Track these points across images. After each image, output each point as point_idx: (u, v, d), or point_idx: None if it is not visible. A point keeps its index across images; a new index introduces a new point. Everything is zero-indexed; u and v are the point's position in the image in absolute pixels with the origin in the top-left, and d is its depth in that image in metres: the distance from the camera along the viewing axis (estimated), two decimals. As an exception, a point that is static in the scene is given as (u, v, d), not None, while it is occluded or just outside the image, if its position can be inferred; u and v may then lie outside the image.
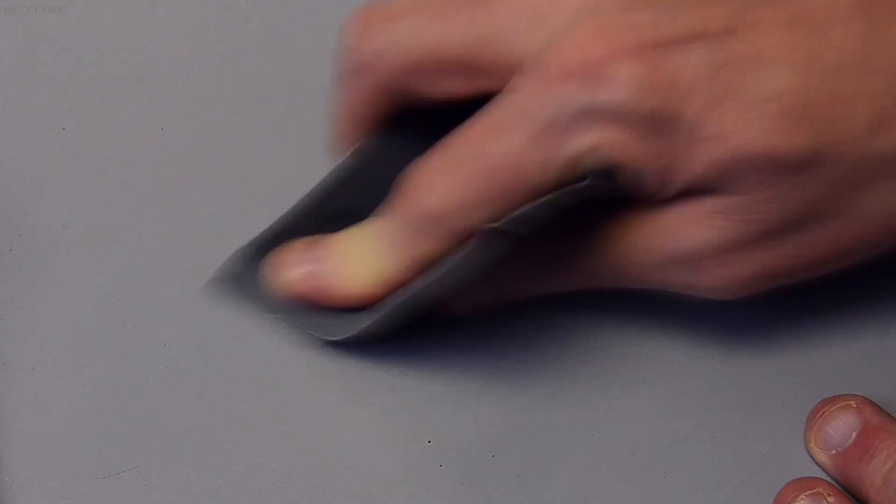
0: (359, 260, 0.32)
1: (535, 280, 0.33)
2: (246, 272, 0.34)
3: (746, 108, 0.28)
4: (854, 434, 0.32)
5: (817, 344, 0.34)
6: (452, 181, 0.30)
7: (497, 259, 0.30)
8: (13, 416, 0.33)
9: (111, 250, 0.36)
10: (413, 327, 0.33)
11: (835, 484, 0.32)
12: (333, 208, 0.34)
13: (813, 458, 0.33)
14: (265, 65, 0.40)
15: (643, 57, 0.28)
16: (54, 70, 0.40)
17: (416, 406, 0.34)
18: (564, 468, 0.33)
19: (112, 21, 0.41)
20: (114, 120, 0.39)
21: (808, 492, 0.31)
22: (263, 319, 0.34)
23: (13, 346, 0.34)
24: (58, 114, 0.39)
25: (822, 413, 0.32)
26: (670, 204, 0.30)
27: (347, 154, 0.34)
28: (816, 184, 0.29)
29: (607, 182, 0.29)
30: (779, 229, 0.30)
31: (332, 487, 0.32)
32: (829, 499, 0.31)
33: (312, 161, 0.38)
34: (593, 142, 0.29)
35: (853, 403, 0.32)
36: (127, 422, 0.33)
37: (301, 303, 0.33)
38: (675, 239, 0.30)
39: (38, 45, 0.40)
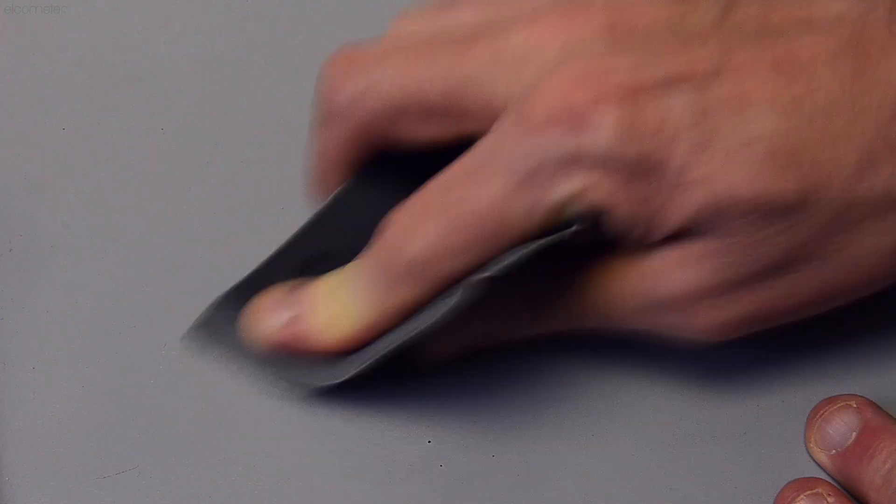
0: (338, 307, 0.31)
1: (518, 324, 0.33)
2: (224, 321, 0.33)
3: (732, 151, 0.28)
4: (854, 434, 0.31)
5: (817, 344, 0.34)
6: (434, 228, 0.29)
7: (479, 303, 0.30)
8: (13, 416, 0.33)
9: (111, 250, 0.36)
10: (391, 371, 0.33)
11: (835, 484, 0.32)
12: (312, 253, 0.33)
13: (813, 458, 0.33)
14: (265, 65, 0.40)
15: (627, 101, 0.28)
16: (54, 70, 0.40)
17: (416, 406, 0.34)
18: (564, 468, 0.33)
19: (112, 21, 0.41)
20: (114, 120, 0.39)
21: (809, 492, 0.31)
22: (243, 370, 0.34)
23: (13, 346, 0.34)
24: (58, 114, 0.39)
25: (822, 413, 0.32)
26: (656, 248, 0.30)
27: (327, 199, 0.33)
28: (804, 227, 0.29)
29: (593, 228, 0.29)
30: (767, 272, 0.29)
31: (333, 487, 0.32)
32: (829, 499, 0.31)
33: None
34: (578, 188, 0.28)
35: (853, 403, 0.32)
36: (127, 422, 0.33)
37: (280, 352, 0.33)
38: (662, 283, 0.30)
39: (38, 45, 0.40)
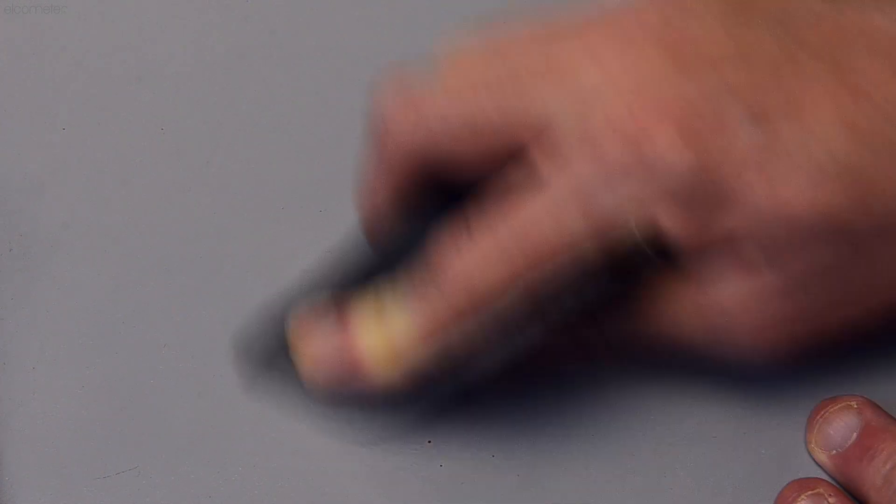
0: (389, 335, 0.30)
1: (574, 348, 0.33)
2: (273, 341, 0.32)
3: (788, 165, 0.28)
4: (854, 434, 0.31)
5: (817, 344, 0.34)
6: (496, 252, 0.29)
7: (537, 334, 0.30)
8: (13, 416, 0.33)
9: (111, 250, 0.36)
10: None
11: (835, 485, 0.32)
12: (359, 278, 0.32)
13: (813, 459, 0.33)
14: (265, 65, 0.40)
15: (691, 125, 0.28)
16: (54, 70, 0.40)
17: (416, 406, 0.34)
18: (564, 468, 0.33)
19: (112, 21, 0.41)
20: (114, 120, 0.39)
21: (810, 492, 0.31)
22: (299, 401, 0.33)
23: (13, 346, 0.34)
24: (58, 114, 0.39)
25: (823, 413, 0.32)
26: (721, 269, 0.30)
27: (373, 225, 0.33)
28: (857, 244, 0.29)
29: (659, 252, 0.29)
30: (820, 287, 0.29)
31: (332, 487, 0.32)
32: (830, 499, 0.31)
33: (312, 161, 0.38)
34: (645, 211, 0.28)
35: (854, 404, 0.32)
36: (127, 422, 0.33)
37: (332, 382, 0.31)
38: (726, 304, 0.30)
39: (38, 45, 0.40)
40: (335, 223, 0.35)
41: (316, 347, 0.30)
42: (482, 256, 0.29)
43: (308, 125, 0.38)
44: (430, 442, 0.33)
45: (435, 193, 0.32)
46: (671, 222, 0.29)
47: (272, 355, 0.32)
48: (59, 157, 0.38)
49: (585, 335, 0.32)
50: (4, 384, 0.34)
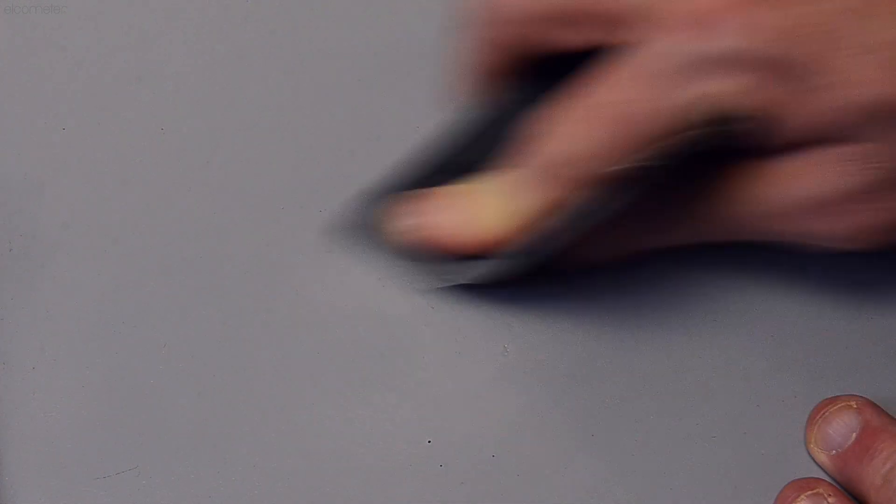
0: (491, 205, 0.32)
1: (655, 231, 0.33)
2: (366, 220, 0.34)
3: (865, 54, 0.28)
4: (854, 435, 0.31)
5: (817, 344, 0.34)
6: (584, 129, 0.30)
7: (624, 207, 0.31)
8: (13, 416, 0.33)
9: (111, 250, 0.36)
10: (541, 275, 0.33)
11: (835, 484, 0.32)
12: (446, 162, 0.34)
13: (813, 459, 0.33)
14: (265, 65, 0.40)
15: (761, 4, 0.28)
16: (54, 70, 0.40)
17: (416, 406, 0.34)
18: (564, 468, 0.33)
19: (112, 21, 0.41)
20: (114, 120, 0.39)
21: (809, 492, 0.31)
22: (388, 263, 0.34)
23: (13, 346, 0.34)
24: (58, 114, 0.39)
25: (823, 413, 0.32)
26: (793, 151, 0.30)
27: (462, 109, 0.34)
28: None
29: (730, 132, 0.30)
30: None
31: (332, 487, 0.32)
32: (829, 499, 0.31)
33: (312, 161, 0.38)
34: (718, 88, 0.29)
35: (853, 404, 0.32)
36: (127, 422, 0.33)
37: (422, 250, 0.33)
38: (801, 185, 0.30)
39: (38, 45, 0.40)
40: (335, 223, 0.35)
41: (408, 208, 0.32)
42: (577, 123, 0.30)
43: (308, 125, 0.38)
44: (430, 442, 0.33)
45: (535, 81, 0.33)
46: (741, 92, 0.29)
47: (372, 227, 0.33)
48: (59, 157, 0.38)
49: (672, 217, 0.33)
50: (4, 384, 0.34)
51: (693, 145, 0.30)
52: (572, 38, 0.32)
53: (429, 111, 0.36)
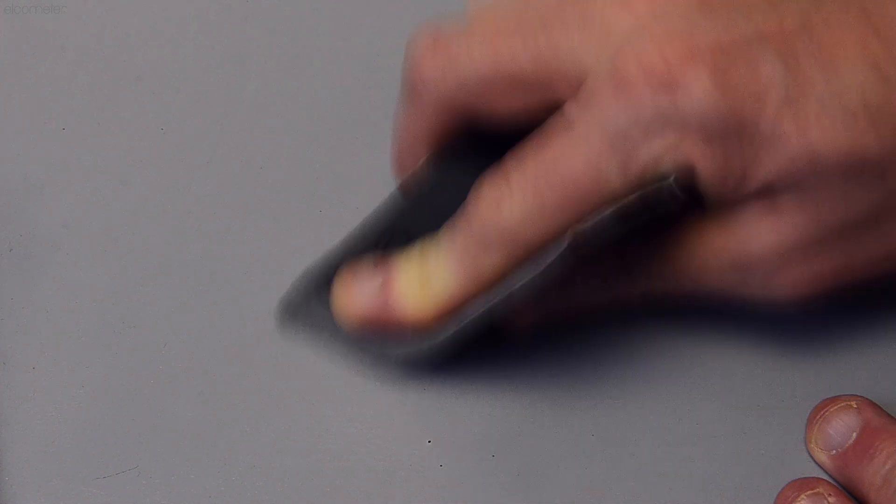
0: (428, 275, 0.31)
1: (602, 289, 0.33)
2: (311, 300, 0.34)
3: (821, 107, 0.28)
4: (854, 434, 0.31)
5: (817, 344, 0.34)
6: (529, 190, 0.29)
7: (567, 270, 0.30)
8: (13, 416, 0.33)
9: (111, 250, 0.36)
10: (478, 347, 0.33)
11: (835, 484, 0.32)
12: (393, 231, 0.33)
13: (813, 459, 0.33)
14: (265, 65, 0.40)
15: (717, 59, 0.28)
16: (54, 70, 0.40)
17: (416, 406, 0.34)
18: (564, 468, 0.33)
19: (112, 21, 0.41)
20: (114, 120, 0.39)
21: (809, 492, 0.31)
22: (333, 347, 0.34)
23: (13, 346, 0.34)
24: (58, 114, 0.39)
25: (823, 413, 0.32)
26: (745, 205, 0.30)
27: (408, 177, 0.34)
28: (886, 185, 0.29)
29: (684, 187, 0.29)
30: (852, 228, 0.30)
31: (332, 487, 0.32)
32: (829, 499, 0.31)
33: (312, 161, 0.38)
34: (670, 145, 0.29)
35: (853, 404, 0.32)
36: (127, 422, 0.33)
37: (369, 326, 0.32)
38: (750, 240, 0.30)
39: (38, 45, 0.40)
40: (335, 223, 0.35)
41: (356, 290, 0.32)
42: (511, 192, 0.30)
43: (308, 125, 0.38)
44: (430, 442, 0.33)
45: (477, 149, 0.33)
46: (703, 164, 0.29)
47: (310, 305, 0.34)
48: (59, 157, 0.38)
49: (614, 276, 0.33)
50: (4, 384, 0.34)
51: (647, 201, 0.29)
52: (521, 103, 0.31)
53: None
